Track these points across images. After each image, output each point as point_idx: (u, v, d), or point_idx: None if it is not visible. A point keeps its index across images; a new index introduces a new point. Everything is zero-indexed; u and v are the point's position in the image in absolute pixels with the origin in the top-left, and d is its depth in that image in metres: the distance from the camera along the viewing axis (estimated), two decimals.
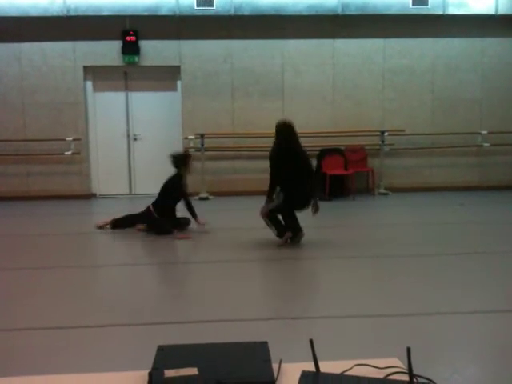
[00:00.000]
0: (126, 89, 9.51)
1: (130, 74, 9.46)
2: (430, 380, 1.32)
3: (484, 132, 9.56)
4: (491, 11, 9.28)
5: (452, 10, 9.24)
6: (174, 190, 6.42)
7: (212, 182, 9.36)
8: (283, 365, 1.35)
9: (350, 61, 9.48)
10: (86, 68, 9.24)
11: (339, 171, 9.08)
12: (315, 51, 9.43)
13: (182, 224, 6.52)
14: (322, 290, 4.45)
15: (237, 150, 9.41)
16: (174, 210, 6.56)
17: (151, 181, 8.25)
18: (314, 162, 8.31)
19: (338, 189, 9.06)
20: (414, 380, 1.28)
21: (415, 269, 4.89)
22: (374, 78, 9.55)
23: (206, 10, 8.99)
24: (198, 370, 1.30)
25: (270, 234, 5.76)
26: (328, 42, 9.41)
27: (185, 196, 6.42)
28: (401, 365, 1.36)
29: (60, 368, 2.81)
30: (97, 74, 9.38)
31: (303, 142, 5.80)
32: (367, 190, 9.42)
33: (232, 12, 9.01)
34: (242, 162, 9.45)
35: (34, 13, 8.79)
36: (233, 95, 9.42)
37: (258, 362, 1.36)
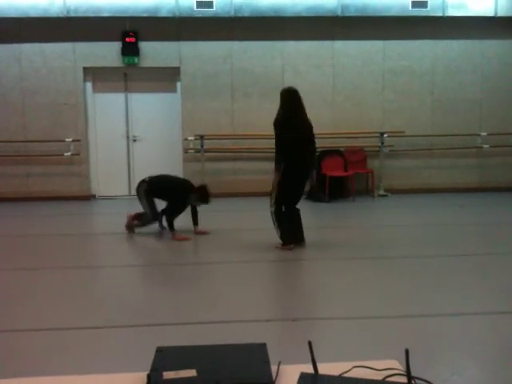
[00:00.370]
0: (126, 90, 9.51)
1: (129, 75, 9.46)
2: (429, 382, 1.32)
3: (484, 133, 9.55)
4: (490, 13, 9.28)
5: (451, 12, 9.23)
6: (184, 205, 6.41)
7: (212, 183, 9.32)
8: (282, 366, 1.35)
9: (350, 62, 9.48)
10: (85, 69, 9.23)
11: (339, 172, 9.07)
12: (315, 52, 9.43)
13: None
14: (321, 292, 4.45)
15: (237, 151, 9.41)
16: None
17: None
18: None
19: (338, 190, 9.05)
20: (412, 382, 1.27)
21: (415, 270, 4.89)
22: (374, 80, 9.55)
23: (205, 11, 8.99)
24: (197, 372, 1.30)
25: (269, 234, 5.73)
26: (328, 43, 9.41)
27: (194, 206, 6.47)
28: (399, 367, 1.36)
29: (59, 369, 2.81)
30: (96, 75, 9.38)
31: None
32: (367, 192, 9.41)
33: (232, 13, 9.01)
34: (242, 163, 9.45)
35: (33, 14, 8.79)
36: (233, 96, 9.42)
37: (256, 363, 1.36)
